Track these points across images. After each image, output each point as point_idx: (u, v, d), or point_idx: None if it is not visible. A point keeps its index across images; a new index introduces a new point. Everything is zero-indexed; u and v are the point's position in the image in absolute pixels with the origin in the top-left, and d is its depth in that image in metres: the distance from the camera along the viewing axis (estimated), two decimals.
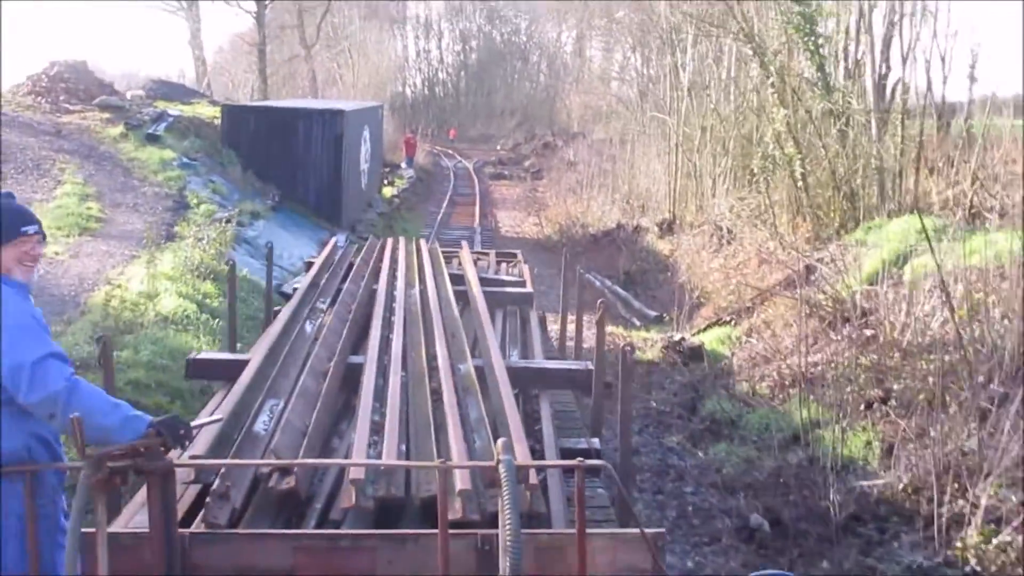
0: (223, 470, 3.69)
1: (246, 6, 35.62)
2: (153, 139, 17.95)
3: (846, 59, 15.51)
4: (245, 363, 5.27)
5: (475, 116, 60.89)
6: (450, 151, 45.34)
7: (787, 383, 9.25)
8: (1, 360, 2.89)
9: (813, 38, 14.28)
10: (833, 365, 8.68)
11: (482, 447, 4.24)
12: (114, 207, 14.06)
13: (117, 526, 3.50)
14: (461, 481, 3.52)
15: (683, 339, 11.68)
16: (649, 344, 12.27)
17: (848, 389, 8.02)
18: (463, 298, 7.21)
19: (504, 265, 10.23)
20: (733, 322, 12.39)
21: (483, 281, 8.04)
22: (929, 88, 14.17)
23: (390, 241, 9.76)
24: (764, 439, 8.25)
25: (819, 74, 14.63)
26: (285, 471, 3.75)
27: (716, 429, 8.96)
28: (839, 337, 9.33)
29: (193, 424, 3.29)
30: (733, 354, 11.02)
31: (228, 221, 14.11)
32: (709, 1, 19.06)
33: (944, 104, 14.87)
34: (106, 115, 19.20)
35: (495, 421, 4.53)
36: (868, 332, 9.00)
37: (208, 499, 3.56)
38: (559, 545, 3.26)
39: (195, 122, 20.19)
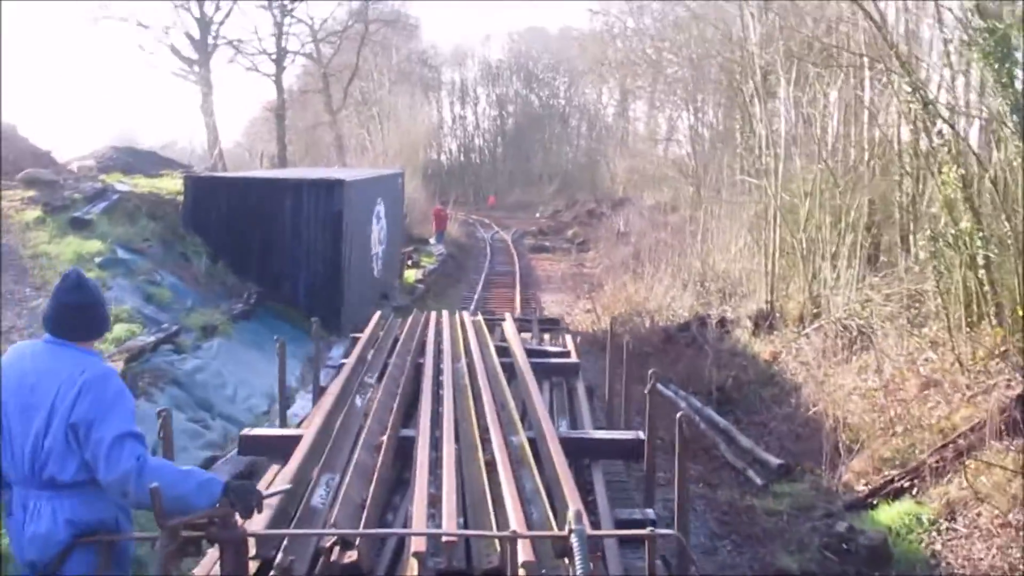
0: (285, 543, 3.98)
1: (264, 68, 36.31)
2: (80, 225, 14.32)
3: None
4: (298, 439, 5.69)
5: (512, 182, 62.10)
6: (486, 220, 45.78)
7: None
8: (91, 430, 3.30)
9: (1008, 66, 10.22)
10: None
11: (540, 518, 4.48)
12: None
13: None
14: (524, 552, 3.68)
15: (852, 529, 7.98)
16: (790, 526, 8.65)
17: None
18: (508, 369, 7.71)
19: (547, 335, 10.96)
20: (914, 488, 8.65)
21: (529, 352, 8.60)
22: None
23: (433, 314, 10.40)
24: None
25: (1017, 118, 10.57)
26: (347, 545, 4.00)
27: None
28: None
29: (265, 493, 3.58)
30: (934, 555, 7.62)
31: (140, 354, 10.39)
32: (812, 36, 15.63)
33: None
34: (29, 193, 15.65)
35: (550, 492, 4.81)
36: None
37: (272, 573, 3.85)
38: None
39: (150, 200, 16.76)
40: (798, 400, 12.11)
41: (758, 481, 9.99)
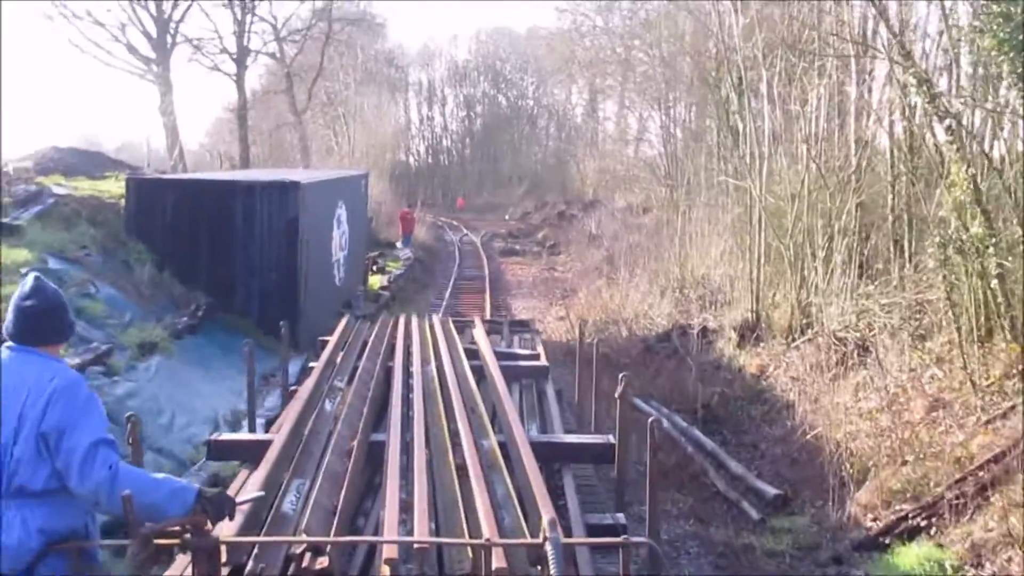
0: (256, 551, 4.04)
1: (226, 68, 35.54)
2: (8, 232, 13.20)
3: None
4: (267, 443, 5.74)
5: (481, 184, 62.23)
6: (455, 222, 45.49)
7: None
8: (62, 438, 3.30)
9: None
10: None
11: (512, 524, 4.57)
12: None
13: None
14: (497, 559, 3.74)
15: None
16: (795, 569, 7.90)
17: None
18: (478, 372, 7.86)
19: (517, 337, 11.14)
20: (932, 527, 7.67)
21: (498, 355, 8.77)
22: None
23: (403, 317, 10.55)
24: None
25: None
26: (318, 551, 4.06)
27: None
28: None
29: (238, 500, 3.64)
30: None
31: None
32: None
33: None
34: None
35: (521, 497, 4.90)
36: None
37: None
38: None
39: (90, 204, 15.96)
40: (791, 420, 11.20)
41: (754, 515, 9.07)
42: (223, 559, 3.91)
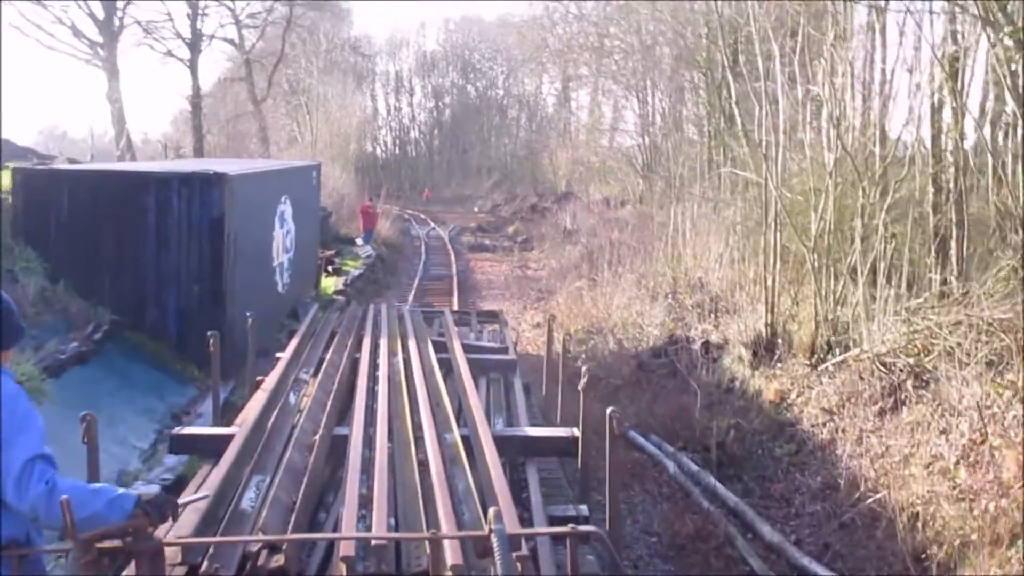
0: (211, 550, 4.09)
1: (180, 54, 34.80)
2: None
3: None
4: (230, 437, 5.81)
5: (449, 176, 62.15)
6: (422, 215, 45.20)
7: None
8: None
9: None
10: None
11: (471, 518, 4.68)
12: None
13: None
14: (452, 555, 3.82)
15: None
16: None
17: None
18: (446, 365, 7.99)
19: (486, 328, 11.24)
20: None
21: (466, 348, 8.95)
22: None
23: (371, 308, 10.59)
24: None
25: None
26: (274, 549, 4.14)
27: None
28: None
29: (180, 502, 3.67)
30: None
31: None
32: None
33: None
34: None
35: (483, 491, 4.99)
36: None
37: None
38: None
39: None
40: (831, 466, 9.25)
41: None
42: (178, 559, 4.03)
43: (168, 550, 3.73)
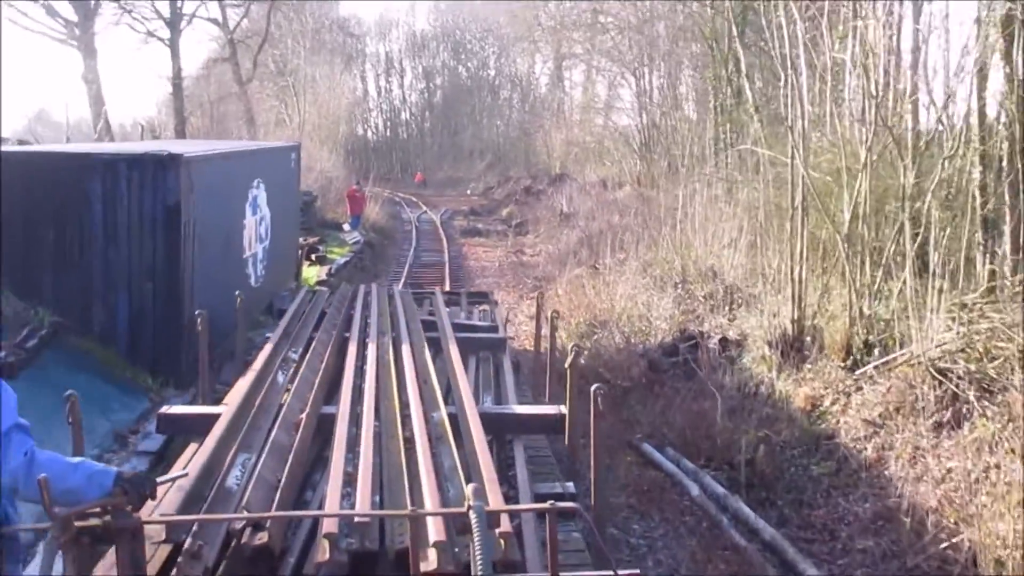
0: (195, 528, 4.17)
1: (160, 34, 34.34)
2: None
3: None
4: (216, 417, 5.91)
5: (441, 158, 61.86)
6: (413, 198, 44.92)
7: None
8: None
9: None
10: None
11: (456, 495, 4.74)
12: None
13: None
14: (436, 531, 3.92)
15: None
16: None
17: None
18: (435, 344, 8.11)
19: (476, 308, 11.44)
20: None
21: (456, 327, 9.10)
22: None
23: (362, 288, 10.69)
24: None
25: None
26: (258, 527, 4.20)
27: None
28: None
29: (160, 480, 3.68)
30: None
31: None
32: None
33: None
34: None
35: (468, 468, 5.07)
36: None
37: (180, 558, 4.03)
38: None
39: None
40: (883, 491, 8.14)
41: None
42: (163, 537, 4.11)
43: (152, 528, 3.83)
